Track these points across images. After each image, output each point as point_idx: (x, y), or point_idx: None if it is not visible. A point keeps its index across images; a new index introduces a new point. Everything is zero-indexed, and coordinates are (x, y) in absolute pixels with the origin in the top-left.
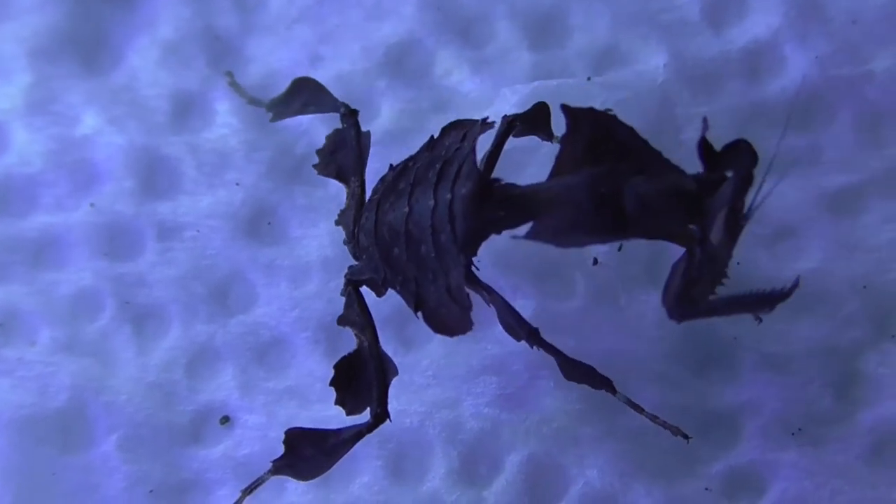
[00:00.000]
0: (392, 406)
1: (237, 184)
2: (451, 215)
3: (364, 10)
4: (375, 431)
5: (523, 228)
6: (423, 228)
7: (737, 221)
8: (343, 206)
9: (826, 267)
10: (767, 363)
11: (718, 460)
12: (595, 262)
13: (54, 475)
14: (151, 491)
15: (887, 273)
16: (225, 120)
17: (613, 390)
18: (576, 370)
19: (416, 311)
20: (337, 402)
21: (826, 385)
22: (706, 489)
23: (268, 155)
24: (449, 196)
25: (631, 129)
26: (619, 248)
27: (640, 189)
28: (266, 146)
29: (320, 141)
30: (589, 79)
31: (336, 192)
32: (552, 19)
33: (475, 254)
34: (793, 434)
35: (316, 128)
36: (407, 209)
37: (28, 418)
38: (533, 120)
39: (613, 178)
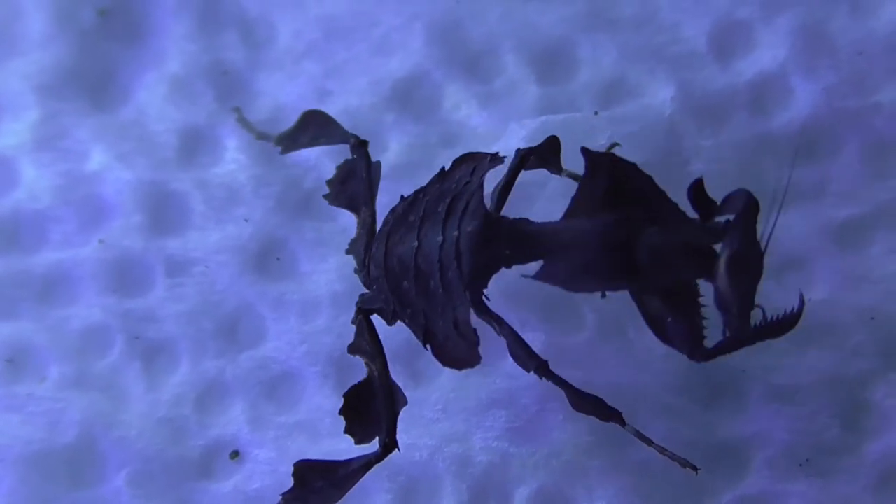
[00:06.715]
0: (402, 440)
1: (246, 219)
2: (457, 252)
3: (371, 45)
4: (385, 464)
5: (532, 266)
6: (431, 263)
7: (742, 269)
8: (354, 236)
9: (833, 298)
10: (775, 394)
11: (727, 492)
12: (603, 295)
13: None
14: None
15: (895, 304)
16: (233, 155)
17: (622, 422)
18: (585, 402)
19: (424, 344)
20: (346, 432)
21: (834, 416)
22: None
23: (276, 190)
24: (456, 233)
25: (649, 178)
26: None
27: (654, 241)
28: (274, 181)
29: (329, 175)
30: (596, 113)
31: (345, 227)
32: (559, 53)
33: (486, 286)
34: (801, 465)
35: (324, 163)
36: (416, 243)
37: (38, 454)
38: (545, 153)
39: (627, 227)
